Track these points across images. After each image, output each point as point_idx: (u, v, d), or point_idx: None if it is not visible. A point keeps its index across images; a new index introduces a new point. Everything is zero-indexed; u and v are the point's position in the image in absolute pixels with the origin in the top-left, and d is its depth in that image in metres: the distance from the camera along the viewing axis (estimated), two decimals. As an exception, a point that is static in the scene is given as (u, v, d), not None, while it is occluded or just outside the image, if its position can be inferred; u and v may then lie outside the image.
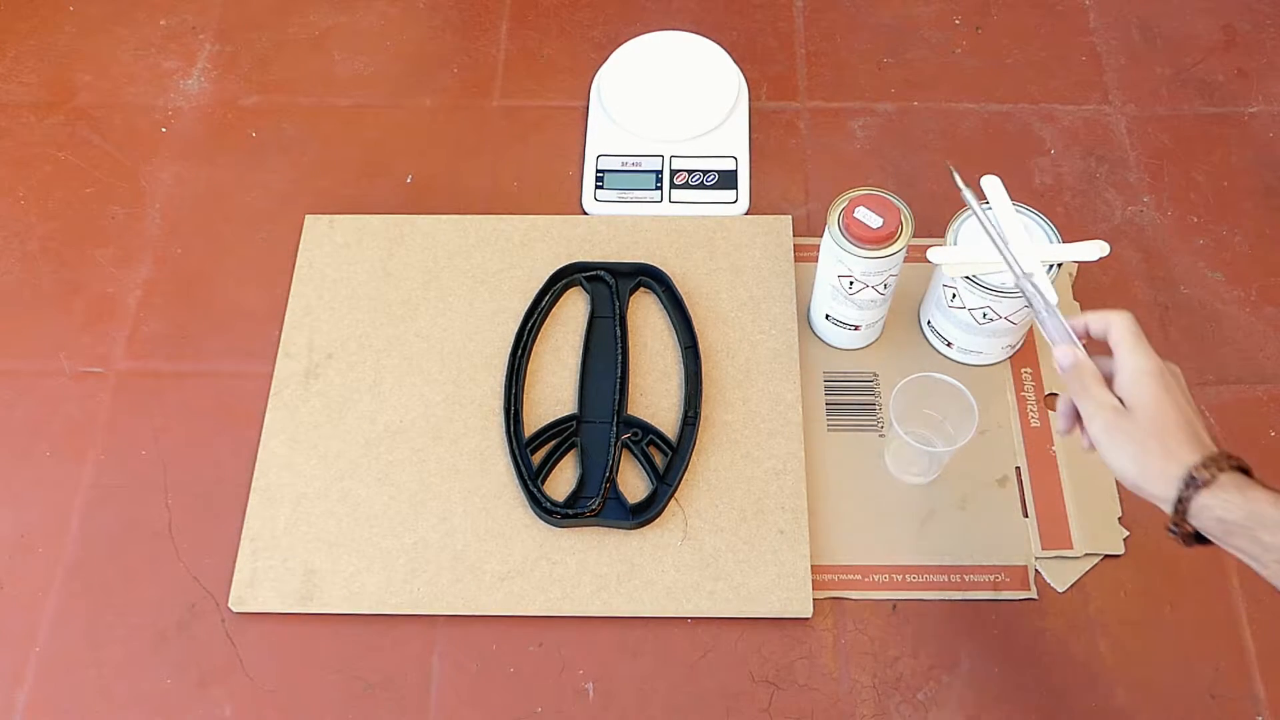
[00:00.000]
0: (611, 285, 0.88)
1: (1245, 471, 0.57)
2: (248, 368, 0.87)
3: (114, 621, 0.77)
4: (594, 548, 0.78)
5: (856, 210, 0.76)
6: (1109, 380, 0.61)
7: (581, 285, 0.90)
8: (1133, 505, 0.79)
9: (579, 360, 0.85)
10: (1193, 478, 0.55)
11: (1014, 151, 0.99)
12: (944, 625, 0.76)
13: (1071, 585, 0.77)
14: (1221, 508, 0.55)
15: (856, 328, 0.84)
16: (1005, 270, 0.77)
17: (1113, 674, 0.74)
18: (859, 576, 0.77)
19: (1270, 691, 0.73)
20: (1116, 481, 0.80)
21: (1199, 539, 0.57)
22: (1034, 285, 0.68)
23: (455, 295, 0.89)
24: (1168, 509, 0.57)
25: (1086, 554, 0.77)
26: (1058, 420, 0.65)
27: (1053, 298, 0.67)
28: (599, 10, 1.09)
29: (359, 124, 1.02)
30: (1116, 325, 0.61)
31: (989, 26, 1.08)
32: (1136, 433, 0.58)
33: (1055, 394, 0.84)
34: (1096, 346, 0.63)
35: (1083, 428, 0.62)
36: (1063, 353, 0.63)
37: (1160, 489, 0.57)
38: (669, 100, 0.99)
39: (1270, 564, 0.54)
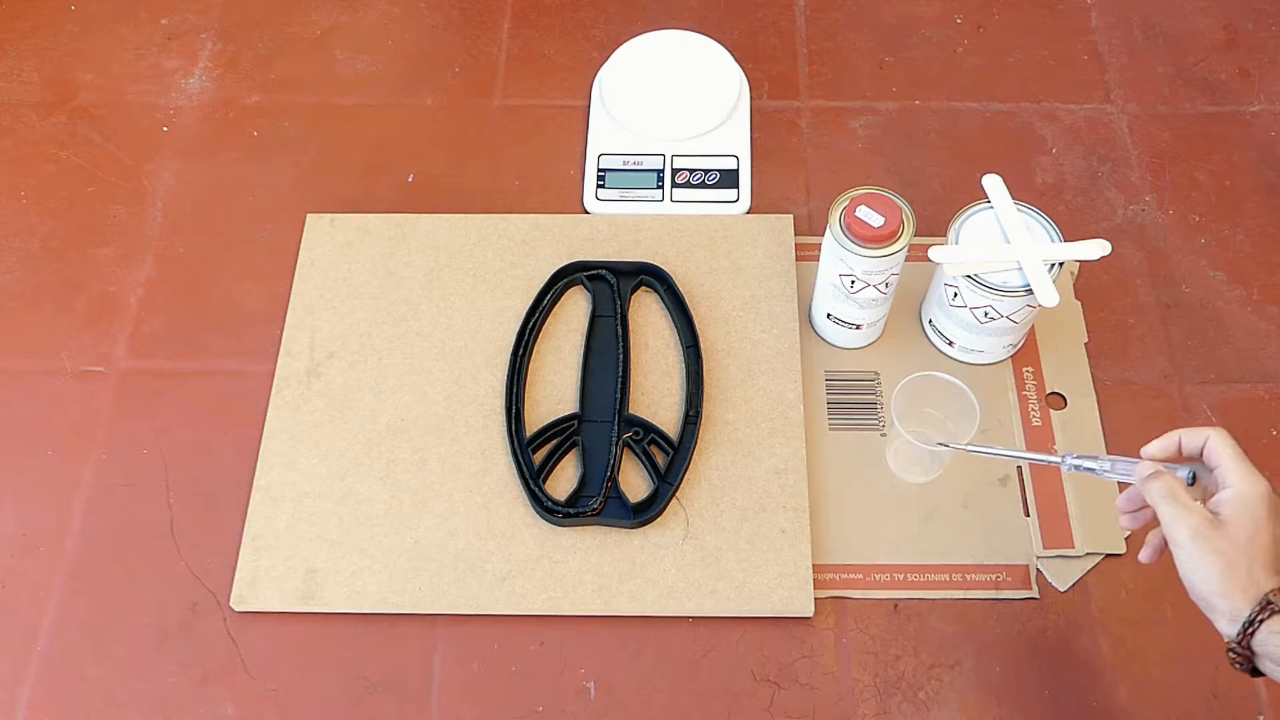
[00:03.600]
0: (613, 284, 0.88)
1: None
2: (249, 367, 0.87)
3: (116, 620, 0.77)
4: (595, 547, 0.78)
5: (858, 209, 0.76)
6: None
7: (583, 284, 0.90)
8: (1134, 504, 0.79)
9: (580, 359, 0.85)
10: (1269, 601, 0.55)
11: (1016, 150, 0.99)
12: (945, 624, 0.76)
13: (1073, 584, 0.77)
14: None
15: (858, 327, 0.84)
16: (1007, 269, 0.77)
17: (1114, 673, 0.74)
18: (860, 575, 0.77)
19: (1272, 691, 0.73)
20: (1119, 482, 0.80)
21: (1257, 669, 0.57)
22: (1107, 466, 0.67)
23: (456, 294, 0.89)
24: (1233, 629, 0.56)
25: (1088, 553, 0.77)
26: (1123, 519, 0.65)
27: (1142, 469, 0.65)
28: (600, 9, 1.09)
29: (360, 123, 1.02)
30: (1216, 444, 0.61)
31: (990, 25, 1.07)
32: (1226, 546, 0.57)
33: (1058, 393, 0.84)
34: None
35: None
36: (1147, 465, 0.63)
37: (1234, 605, 0.56)
38: (670, 99, 0.99)
39: None
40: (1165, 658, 0.74)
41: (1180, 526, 0.59)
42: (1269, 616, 0.55)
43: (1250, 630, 0.55)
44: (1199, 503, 0.60)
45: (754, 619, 0.76)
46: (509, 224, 0.93)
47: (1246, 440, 0.82)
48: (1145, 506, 0.63)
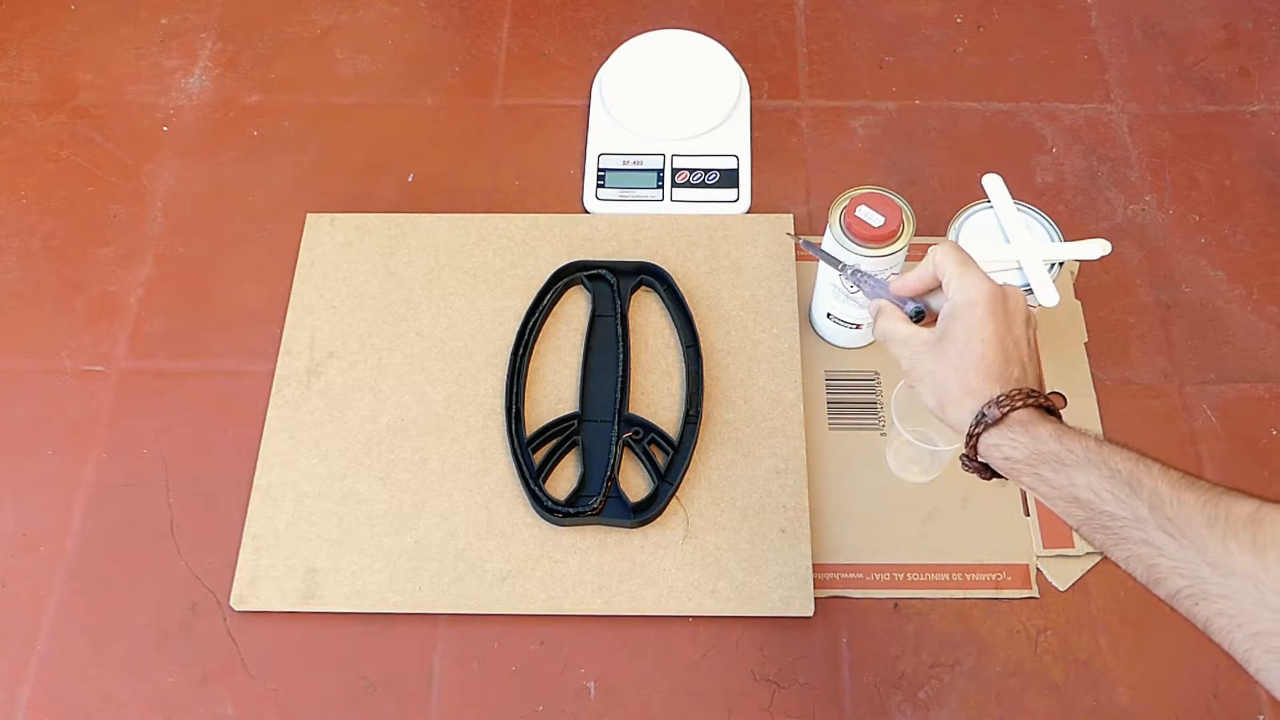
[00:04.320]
0: (613, 284, 0.88)
1: (1048, 410, 0.56)
2: (249, 366, 0.87)
3: (116, 620, 0.77)
4: (595, 547, 0.78)
5: (858, 209, 0.76)
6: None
7: (583, 284, 0.90)
8: (1134, 504, 0.79)
9: (580, 359, 0.85)
10: (983, 414, 0.55)
11: (1016, 150, 0.99)
12: (945, 624, 0.76)
13: (1073, 584, 0.77)
14: (1009, 446, 0.54)
15: (858, 326, 0.84)
16: (1007, 269, 0.77)
17: (1114, 673, 0.74)
18: (860, 575, 0.77)
19: (1272, 690, 0.73)
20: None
21: (996, 473, 0.57)
22: (825, 253, 0.67)
23: (456, 294, 0.89)
24: (962, 444, 0.57)
25: (1088, 552, 0.77)
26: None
27: (851, 260, 0.66)
28: (600, 9, 1.09)
29: (360, 123, 1.02)
30: (939, 261, 0.60)
31: (990, 25, 1.07)
32: (938, 366, 0.58)
33: (1058, 392, 0.84)
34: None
35: None
36: (875, 304, 0.64)
37: (956, 421, 0.57)
38: (670, 99, 0.99)
39: (1057, 501, 0.53)
40: (1165, 657, 0.74)
41: (900, 358, 0.60)
42: (983, 430, 0.55)
43: (972, 443, 0.56)
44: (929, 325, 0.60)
45: (754, 619, 0.76)
46: (509, 224, 0.93)
47: (1246, 440, 0.83)
48: None
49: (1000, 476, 0.57)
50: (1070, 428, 0.54)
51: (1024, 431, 0.54)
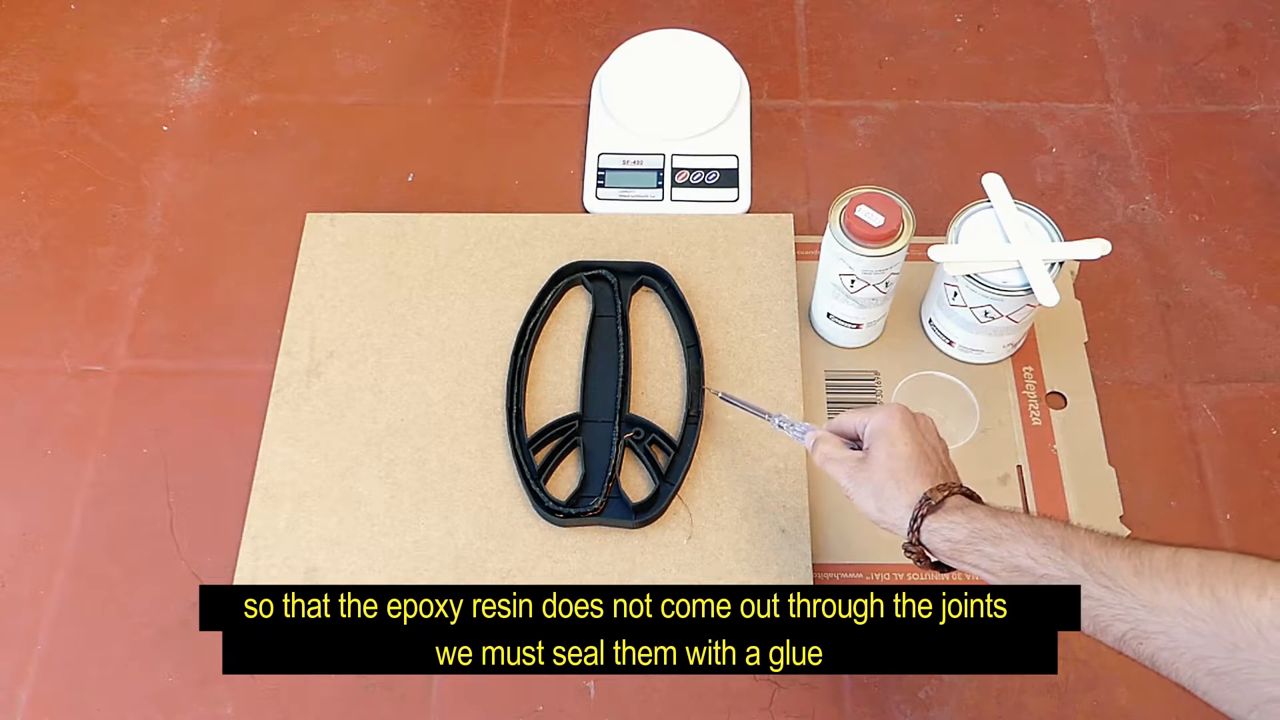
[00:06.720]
0: (613, 284, 0.88)
1: (974, 498, 0.63)
2: (249, 366, 0.87)
3: (116, 620, 0.77)
4: (596, 547, 0.78)
5: (858, 209, 0.76)
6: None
7: (583, 284, 0.90)
8: (1134, 504, 0.79)
9: (581, 359, 0.85)
10: (926, 499, 0.61)
11: (1015, 150, 0.99)
12: (945, 624, 0.76)
13: (1073, 584, 0.77)
14: (949, 529, 0.60)
15: (858, 326, 0.84)
16: (1007, 268, 0.77)
17: (1114, 673, 0.74)
18: (860, 575, 0.77)
19: (1272, 690, 0.73)
20: (1118, 480, 0.80)
21: (937, 566, 0.63)
22: (783, 421, 0.74)
23: (456, 294, 0.89)
24: (905, 535, 0.62)
25: (1088, 553, 0.77)
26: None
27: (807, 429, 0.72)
28: (600, 8, 1.09)
29: (360, 122, 1.02)
30: (854, 421, 0.68)
31: (990, 24, 1.07)
32: (874, 473, 0.64)
33: (1058, 392, 0.84)
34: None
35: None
36: (809, 438, 0.71)
37: (896, 517, 0.62)
38: (670, 99, 0.99)
39: (1000, 573, 0.58)
40: (1165, 657, 0.74)
41: (837, 475, 0.67)
42: (926, 514, 0.61)
43: (915, 535, 0.61)
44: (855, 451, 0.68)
45: (754, 619, 0.76)
46: (509, 223, 0.93)
47: (1246, 440, 0.83)
48: None
49: (936, 566, 0.63)
50: (1000, 507, 0.61)
51: (961, 514, 0.60)
